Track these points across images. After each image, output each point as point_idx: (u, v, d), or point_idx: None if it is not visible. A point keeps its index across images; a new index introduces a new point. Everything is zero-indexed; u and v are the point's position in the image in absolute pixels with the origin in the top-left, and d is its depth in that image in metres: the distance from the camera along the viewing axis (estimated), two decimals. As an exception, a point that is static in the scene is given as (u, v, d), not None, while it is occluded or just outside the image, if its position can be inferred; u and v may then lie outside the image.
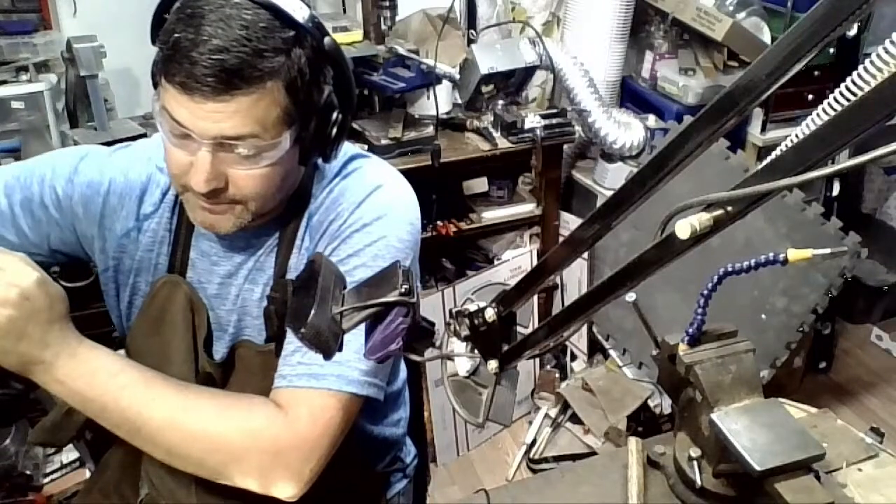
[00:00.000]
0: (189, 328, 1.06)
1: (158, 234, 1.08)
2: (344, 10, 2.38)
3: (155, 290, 1.08)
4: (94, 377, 0.89)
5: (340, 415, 0.95)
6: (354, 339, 0.75)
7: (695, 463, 0.83)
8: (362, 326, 0.72)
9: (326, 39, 0.92)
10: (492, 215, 2.44)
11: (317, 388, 0.94)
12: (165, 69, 0.86)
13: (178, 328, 1.07)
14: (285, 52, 0.87)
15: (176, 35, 0.84)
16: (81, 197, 1.06)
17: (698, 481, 0.82)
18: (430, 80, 2.19)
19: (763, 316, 2.00)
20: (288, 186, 1.01)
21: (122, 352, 1.27)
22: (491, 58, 2.23)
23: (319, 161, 1.05)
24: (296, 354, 0.96)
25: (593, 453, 2.23)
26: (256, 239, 1.05)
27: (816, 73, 2.40)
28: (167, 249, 1.08)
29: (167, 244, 1.08)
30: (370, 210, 1.01)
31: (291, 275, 1.04)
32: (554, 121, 2.30)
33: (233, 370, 1.07)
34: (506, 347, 0.88)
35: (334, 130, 0.97)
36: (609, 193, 0.90)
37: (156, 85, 0.91)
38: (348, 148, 1.12)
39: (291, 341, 0.97)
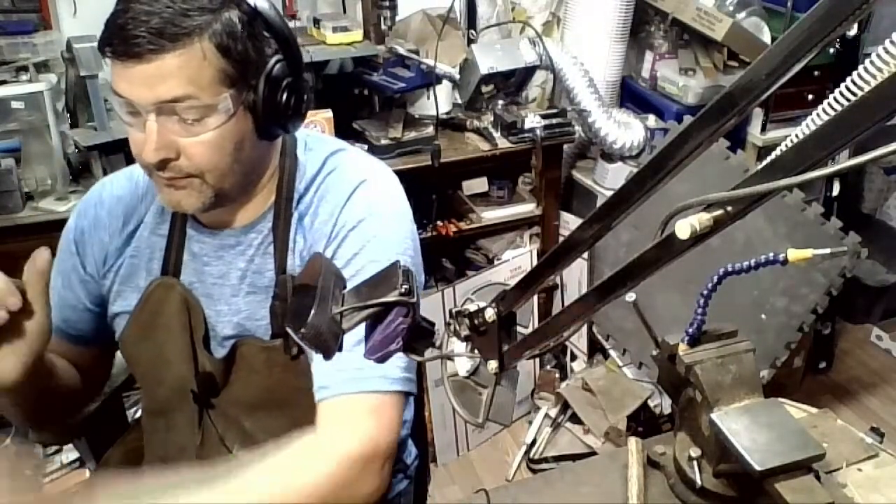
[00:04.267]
0: (185, 328, 1.06)
1: (150, 239, 1.09)
2: (344, 10, 2.38)
3: (147, 295, 1.07)
4: None
5: (395, 412, 0.95)
6: None
7: (695, 463, 0.83)
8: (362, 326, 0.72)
9: (259, 1, 0.92)
10: (492, 215, 2.44)
11: (368, 392, 0.94)
12: (102, 44, 0.88)
13: (173, 329, 1.06)
14: (211, 11, 0.88)
15: (112, 14, 0.87)
16: (87, 234, 1.10)
17: (698, 481, 0.82)
18: (430, 80, 2.19)
19: (763, 316, 2.00)
20: (249, 161, 0.99)
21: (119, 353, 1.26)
22: (491, 58, 2.23)
23: (299, 154, 1.05)
24: (331, 363, 0.96)
25: (593, 453, 2.23)
26: (244, 236, 1.05)
27: (816, 73, 2.40)
28: (160, 254, 1.08)
29: (159, 248, 1.08)
30: (358, 209, 1.02)
31: None
32: (554, 121, 2.30)
33: (233, 368, 1.07)
34: (506, 347, 0.88)
35: (285, 96, 0.95)
36: (609, 193, 0.90)
37: None
38: (327, 141, 1.12)
39: None
